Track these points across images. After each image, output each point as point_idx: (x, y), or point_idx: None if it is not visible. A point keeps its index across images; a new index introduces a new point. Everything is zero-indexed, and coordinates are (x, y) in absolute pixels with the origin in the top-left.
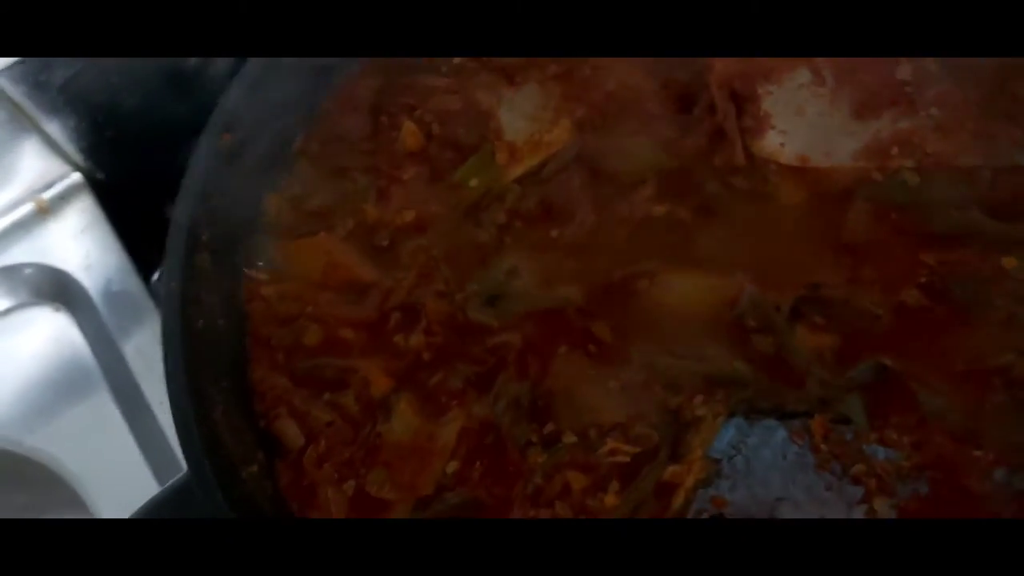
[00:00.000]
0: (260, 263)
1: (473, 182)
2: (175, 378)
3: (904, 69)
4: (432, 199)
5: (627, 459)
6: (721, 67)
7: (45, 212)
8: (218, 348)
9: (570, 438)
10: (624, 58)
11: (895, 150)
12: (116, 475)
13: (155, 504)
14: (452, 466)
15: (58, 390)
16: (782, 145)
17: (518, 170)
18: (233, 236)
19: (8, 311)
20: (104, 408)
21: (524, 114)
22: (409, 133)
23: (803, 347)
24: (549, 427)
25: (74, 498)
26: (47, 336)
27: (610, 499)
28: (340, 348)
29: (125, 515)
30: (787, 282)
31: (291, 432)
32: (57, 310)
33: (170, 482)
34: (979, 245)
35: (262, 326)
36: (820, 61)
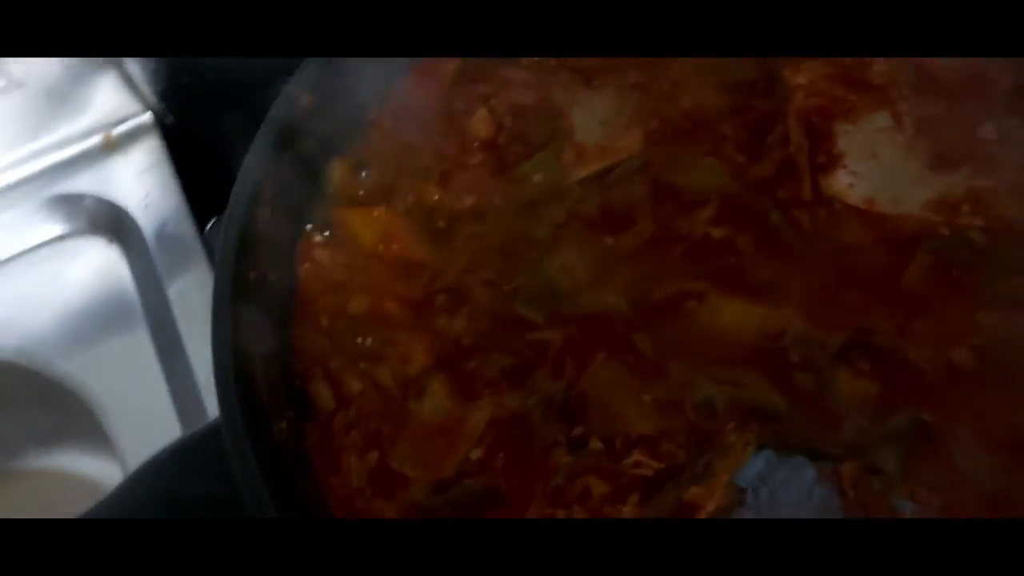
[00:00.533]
0: (318, 226)
1: (537, 177)
2: (221, 322)
3: (988, 128)
4: (494, 189)
5: (650, 473)
6: (801, 99)
7: (112, 147)
8: (266, 302)
9: (596, 444)
10: (703, 77)
11: (966, 207)
12: (143, 413)
13: (180, 448)
14: (476, 453)
15: (98, 322)
16: (851, 185)
17: (583, 172)
18: (297, 196)
19: (63, 237)
20: (141, 346)
21: (597, 118)
22: (481, 120)
23: (844, 390)
24: (578, 430)
25: (98, 430)
26: (96, 267)
27: (628, 510)
28: (383, 321)
29: (145, 455)
30: (837, 323)
31: (324, 395)
32: (110, 243)
33: (198, 429)
34: None
35: (310, 286)
36: (903, 107)
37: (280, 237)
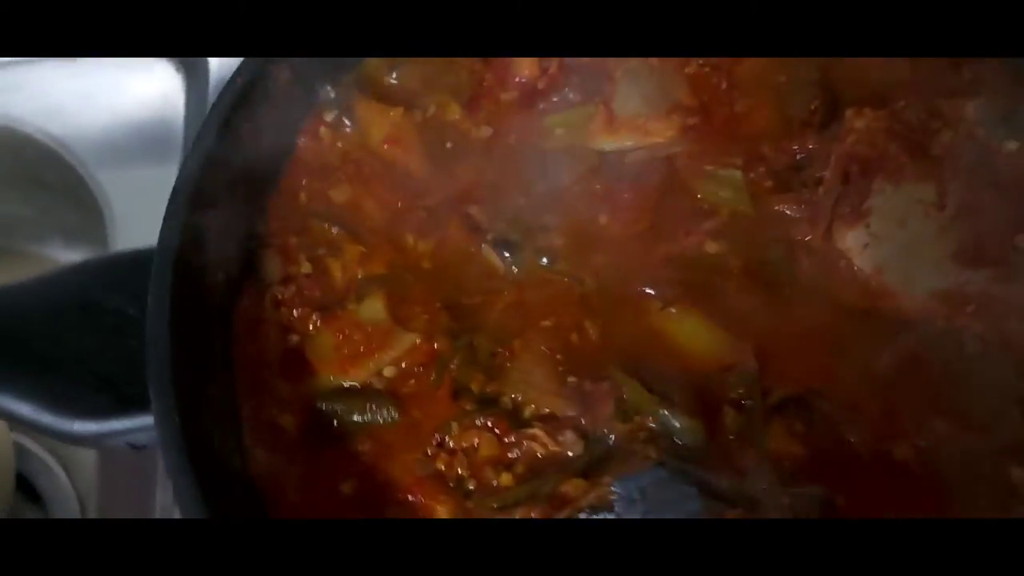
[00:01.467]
0: (333, 105)
1: (559, 132)
2: (194, 156)
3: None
4: (513, 129)
5: (541, 454)
6: (851, 144)
7: None
8: (251, 158)
9: (506, 403)
10: (765, 89)
11: (971, 308)
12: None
13: (114, 261)
14: (389, 371)
15: (142, 143)
16: (865, 247)
17: (607, 142)
18: (321, 70)
19: None
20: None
21: (642, 92)
22: (529, 61)
23: (769, 443)
24: (493, 387)
25: (97, 222)
26: (158, 91)
27: (506, 478)
28: (357, 217)
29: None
30: (791, 376)
31: (274, 264)
32: (177, 71)
33: (139, 249)
34: (998, 445)
35: (302, 161)
36: (952, 187)
37: (291, 102)
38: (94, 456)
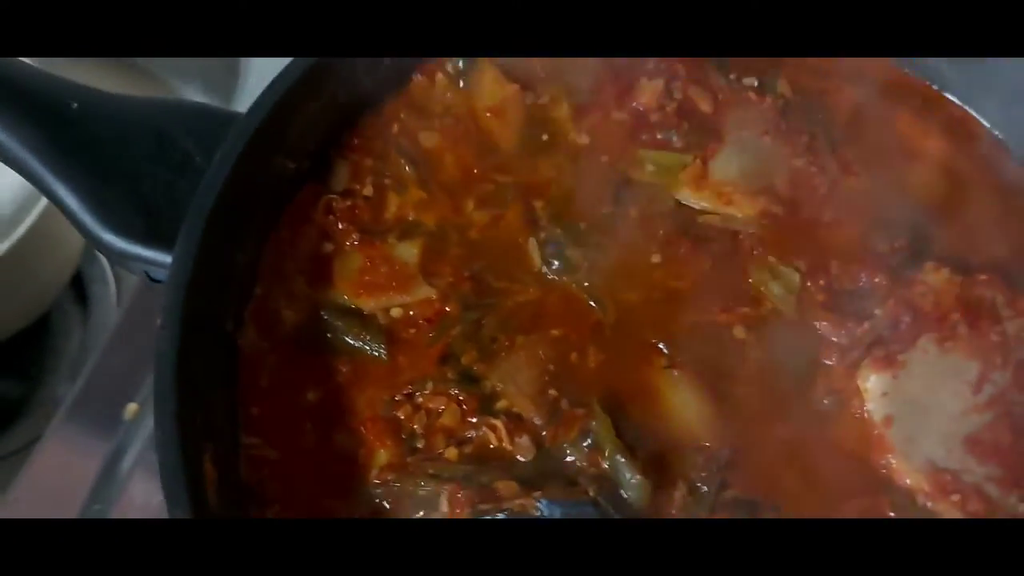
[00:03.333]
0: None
1: (649, 168)
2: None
3: None
4: (608, 148)
5: (492, 445)
6: (917, 293)
7: None
8: (364, 80)
9: (485, 388)
10: (858, 210)
11: (956, 497)
12: None
13: (201, 110)
14: (397, 312)
15: None
16: (884, 395)
17: (688, 196)
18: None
19: None
20: None
21: (743, 164)
22: (652, 90)
23: None
24: (480, 367)
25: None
26: None
27: (452, 452)
28: (434, 166)
29: None
30: (756, 480)
31: (342, 173)
32: None
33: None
34: None
35: (409, 97)
36: (995, 378)
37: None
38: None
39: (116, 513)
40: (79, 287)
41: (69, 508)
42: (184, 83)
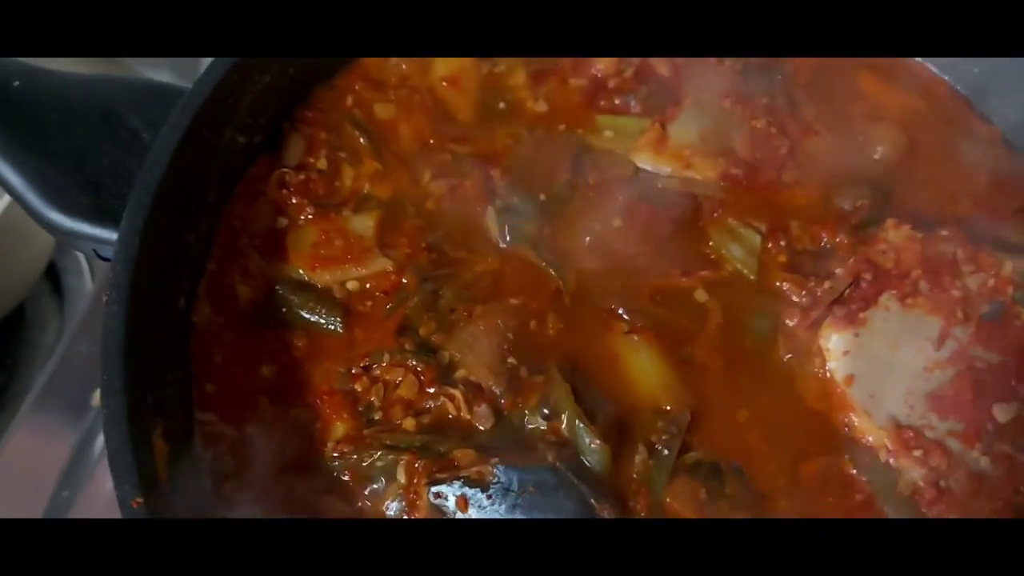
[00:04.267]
0: None
1: (608, 134)
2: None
3: (1004, 410)
4: (566, 116)
5: (451, 415)
6: (878, 251)
7: None
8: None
9: (443, 358)
10: (820, 170)
11: (919, 452)
12: None
13: (151, 84)
14: (353, 284)
15: None
16: (845, 353)
17: (647, 161)
18: None
19: None
20: None
21: (702, 127)
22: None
23: (666, 496)
24: (439, 337)
25: None
26: None
27: (409, 423)
28: (387, 136)
29: None
30: (718, 443)
31: (296, 147)
32: None
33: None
34: None
35: (365, 68)
36: (958, 332)
37: None
38: None
39: (85, 499)
40: (54, 278)
41: (39, 494)
42: (155, 70)
